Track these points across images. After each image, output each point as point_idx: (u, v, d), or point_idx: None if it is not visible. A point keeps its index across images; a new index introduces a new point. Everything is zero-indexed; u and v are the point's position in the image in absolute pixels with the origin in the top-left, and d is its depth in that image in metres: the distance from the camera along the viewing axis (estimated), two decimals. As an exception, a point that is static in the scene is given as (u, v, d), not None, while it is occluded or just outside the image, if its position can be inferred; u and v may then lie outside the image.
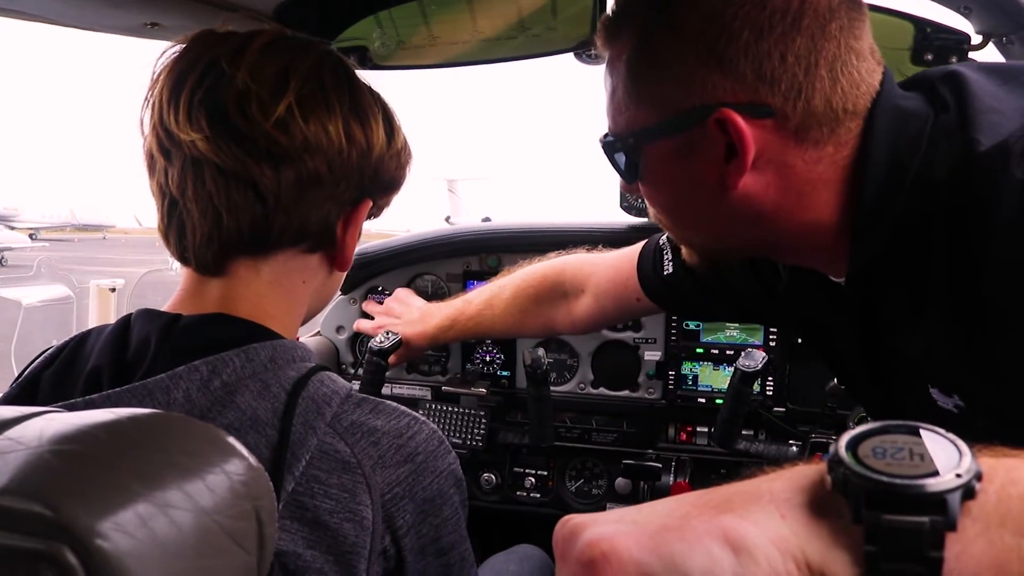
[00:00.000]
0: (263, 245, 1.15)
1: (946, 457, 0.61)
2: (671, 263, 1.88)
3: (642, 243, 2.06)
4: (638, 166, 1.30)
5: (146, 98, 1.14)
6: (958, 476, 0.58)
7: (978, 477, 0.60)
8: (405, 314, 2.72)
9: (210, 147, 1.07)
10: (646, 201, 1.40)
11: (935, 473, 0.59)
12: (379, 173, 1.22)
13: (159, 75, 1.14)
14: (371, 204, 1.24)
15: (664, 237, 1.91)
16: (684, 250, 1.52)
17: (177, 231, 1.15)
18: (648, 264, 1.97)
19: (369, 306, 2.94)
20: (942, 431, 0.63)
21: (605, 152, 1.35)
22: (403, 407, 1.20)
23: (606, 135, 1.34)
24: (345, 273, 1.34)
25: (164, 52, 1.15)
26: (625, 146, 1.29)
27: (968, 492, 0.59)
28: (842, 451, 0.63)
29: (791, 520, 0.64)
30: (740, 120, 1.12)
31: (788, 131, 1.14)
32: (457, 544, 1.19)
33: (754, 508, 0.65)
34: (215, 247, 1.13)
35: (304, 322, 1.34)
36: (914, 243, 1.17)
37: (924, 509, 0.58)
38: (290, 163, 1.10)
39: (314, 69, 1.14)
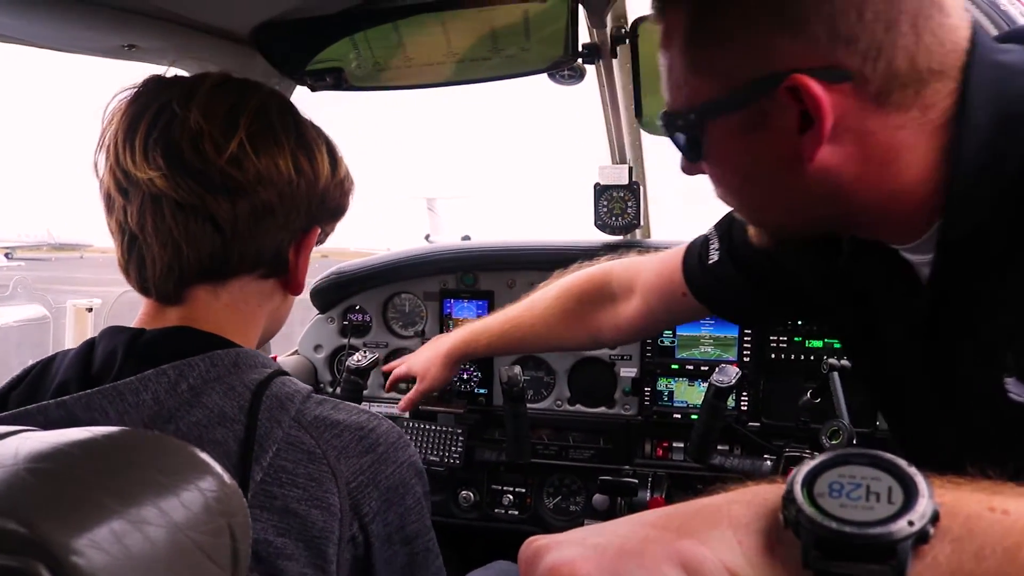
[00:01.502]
0: (222, 273, 1.21)
1: (903, 497, 0.60)
2: (717, 252, 1.77)
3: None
4: (701, 144, 1.20)
5: (99, 142, 1.20)
6: (910, 524, 0.58)
7: (935, 518, 0.59)
8: (422, 351, 2.52)
9: (168, 183, 1.13)
10: (712, 180, 1.28)
11: (887, 520, 0.59)
12: (325, 201, 1.29)
13: (112, 119, 1.19)
14: (319, 231, 1.31)
15: (712, 228, 1.81)
16: (752, 230, 1.40)
17: (137, 264, 1.20)
18: (694, 255, 1.85)
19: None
20: (903, 463, 0.63)
21: (666, 131, 1.25)
22: (362, 406, 1.26)
23: (666, 113, 1.24)
24: (295, 297, 1.39)
25: (114, 96, 1.20)
26: (687, 123, 1.19)
27: (921, 537, 0.59)
28: (797, 488, 0.63)
29: (747, 547, 0.65)
30: (816, 86, 1.02)
31: (868, 95, 1.04)
32: (422, 533, 1.25)
33: (712, 533, 0.66)
34: (175, 276, 1.19)
35: (259, 344, 1.39)
36: (1014, 211, 1.06)
37: (873, 557, 0.58)
38: (245, 195, 1.16)
39: (261, 107, 1.20)
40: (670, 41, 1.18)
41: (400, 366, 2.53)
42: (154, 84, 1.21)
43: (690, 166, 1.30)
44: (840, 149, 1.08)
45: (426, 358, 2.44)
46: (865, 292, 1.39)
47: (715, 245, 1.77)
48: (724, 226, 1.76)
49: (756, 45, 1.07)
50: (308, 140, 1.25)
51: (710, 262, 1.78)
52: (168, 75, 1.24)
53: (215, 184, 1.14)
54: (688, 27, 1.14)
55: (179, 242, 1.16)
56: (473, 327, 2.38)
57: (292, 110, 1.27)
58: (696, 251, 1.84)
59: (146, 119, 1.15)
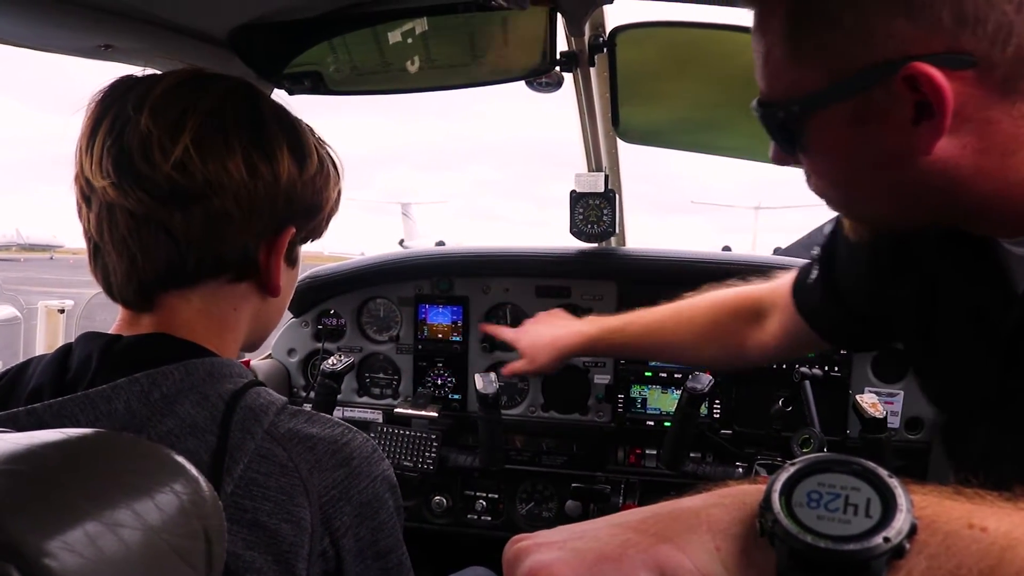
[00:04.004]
0: (181, 280, 1.17)
1: (881, 510, 0.60)
2: (817, 270, 1.69)
3: None
4: (801, 135, 1.11)
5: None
6: (886, 540, 0.58)
7: (912, 533, 0.59)
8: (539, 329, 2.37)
9: (118, 193, 1.10)
10: (809, 172, 1.20)
11: (863, 536, 0.59)
12: (294, 201, 1.21)
13: (82, 123, 1.16)
14: (294, 230, 1.24)
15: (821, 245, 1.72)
16: (848, 223, 1.30)
17: (102, 272, 1.18)
18: (803, 274, 1.78)
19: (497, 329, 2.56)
20: (884, 472, 0.63)
21: (762, 121, 1.17)
22: (336, 419, 1.23)
23: (762, 103, 1.16)
24: (283, 298, 1.34)
25: (91, 99, 1.17)
26: (787, 114, 1.11)
27: (897, 553, 0.59)
28: (775, 497, 0.63)
29: (724, 553, 0.65)
30: (938, 74, 0.93)
31: (993, 82, 0.95)
32: (394, 548, 1.22)
33: (691, 537, 0.66)
34: (135, 285, 1.16)
35: (250, 347, 1.37)
36: None
37: (847, 572, 0.59)
38: (196, 203, 1.12)
39: (215, 107, 1.15)
40: (768, 26, 1.09)
41: (508, 331, 2.41)
42: (120, 85, 1.17)
43: (783, 157, 1.22)
44: (958, 140, 1.00)
45: (537, 342, 2.30)
46: (935, 284, 1.32)
47: (818, 267, 1.71)
48: (827, 243, 1.67)
49: (868, 30, 0.98)
50: (266, 139, 1.17)
51: (809, 280, 1.72)
52: (144, 73, 1.20)
53: (164, 192, 1.10)
54: (791, 11, 1.05)
55: (134, 252, 1.13)
56: (607, 325, 2.21)
57: (252, 106, 1.20)
58: (806, 269, 1.78)
59: (105, 124, 1.13)
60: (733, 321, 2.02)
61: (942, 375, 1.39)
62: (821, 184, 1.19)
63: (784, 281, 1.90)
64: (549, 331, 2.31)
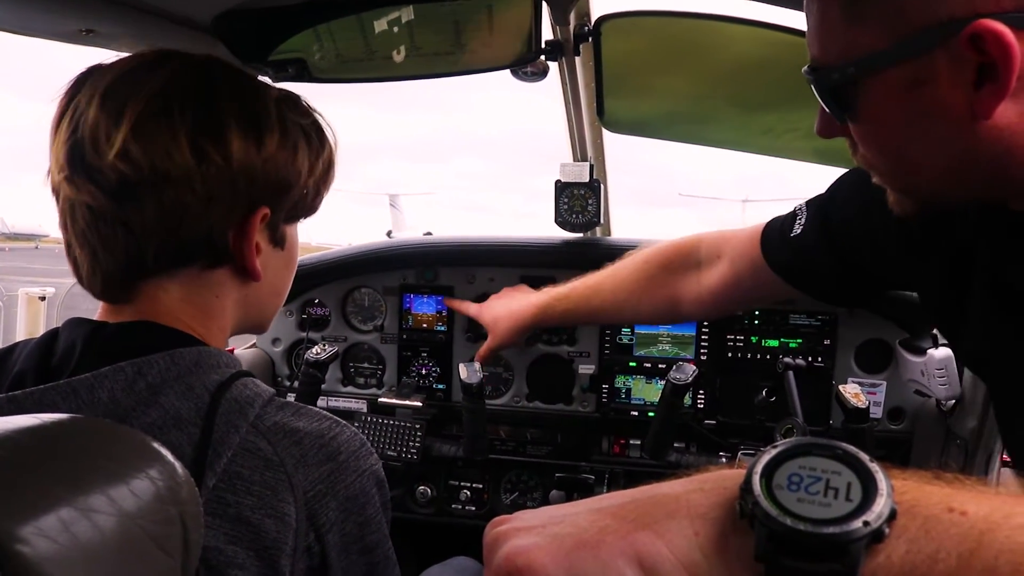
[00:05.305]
0: (144, 271, 1.14)
1: (862, 494, 0.60)
2: (801, 225, 1.68)
3: None
4: (855, 100, 1.08)
5: None
6: (865, 524, 0.58)
7: (892, 517, 0.59)
8: (498, 303, 2.52)
9: (71, 187, 1.09)
10: (857, 142, 1.16)
11: (842, 519, 0.59)
12: (256, 181, 1.15)
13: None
14: (267, 210, 1.19)
15: (803, 204, 1.72)
16: (894, 197, 1.25)
17: (73, 265, 1.17)
18: (775, 228, 1.79)
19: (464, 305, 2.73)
20: (865, 457, 0.63)
21: (815, 86, 1.13)
22: (324, 412, 1.21)
23: (815, 68, 1.12)
24: (274, 281, 1.30)
25: (60, 90, 1.15)
26: (842, 78, 1.07)
27: (876, 537, 0.59)
28: (755, 479, 0.63)
29: (703, 538, 0.65)
30: (1007, 32, 0.89)
31: None
32: (380, 543, 1.21)
33: (669, 524, 0.66)
34: (99, 278, 1.14)
35: (250, 331, 1.36)
36: None
37: (826, 555, 0.58)
38: (147, 195, 1.08)
39: (160, 89, 1.10)
40: None
41: (472, 306, 2.52)
42: (84, 74, 1.14)
43: (829, 127, 1.19)
44: (1017, 107, 0.96)
45: (498, 315, 2.38)
46: (970, 259, 1.29)
47: (801, 220, 1.70)
48: (821, 201, 1.68)
49: None
50: (214, 118, 1.11)
51: (792, 235, 1.71)
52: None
53: (112, 183, 1.07)
54: None
55: (94, 245, 1.11)
56: (555, 292, 2.27)
57: (201, 85, 1.13)
58: (778, 224, 1.78)
59: (67, 116, 1.10)
60: (665, 273, 2.03)
61: (978, 354, 1.36)
62: (870, 154, 1.16)
63: (737, 233, 1.91)
64: (508, 304, 2.41)
